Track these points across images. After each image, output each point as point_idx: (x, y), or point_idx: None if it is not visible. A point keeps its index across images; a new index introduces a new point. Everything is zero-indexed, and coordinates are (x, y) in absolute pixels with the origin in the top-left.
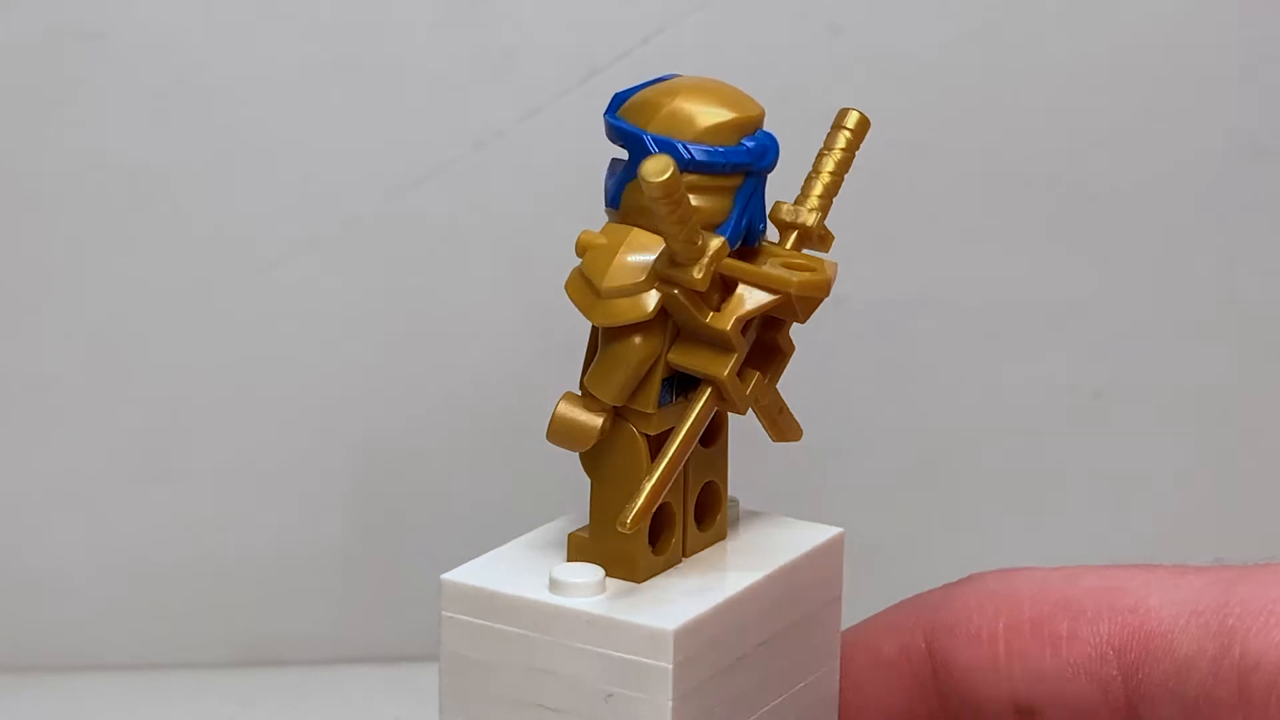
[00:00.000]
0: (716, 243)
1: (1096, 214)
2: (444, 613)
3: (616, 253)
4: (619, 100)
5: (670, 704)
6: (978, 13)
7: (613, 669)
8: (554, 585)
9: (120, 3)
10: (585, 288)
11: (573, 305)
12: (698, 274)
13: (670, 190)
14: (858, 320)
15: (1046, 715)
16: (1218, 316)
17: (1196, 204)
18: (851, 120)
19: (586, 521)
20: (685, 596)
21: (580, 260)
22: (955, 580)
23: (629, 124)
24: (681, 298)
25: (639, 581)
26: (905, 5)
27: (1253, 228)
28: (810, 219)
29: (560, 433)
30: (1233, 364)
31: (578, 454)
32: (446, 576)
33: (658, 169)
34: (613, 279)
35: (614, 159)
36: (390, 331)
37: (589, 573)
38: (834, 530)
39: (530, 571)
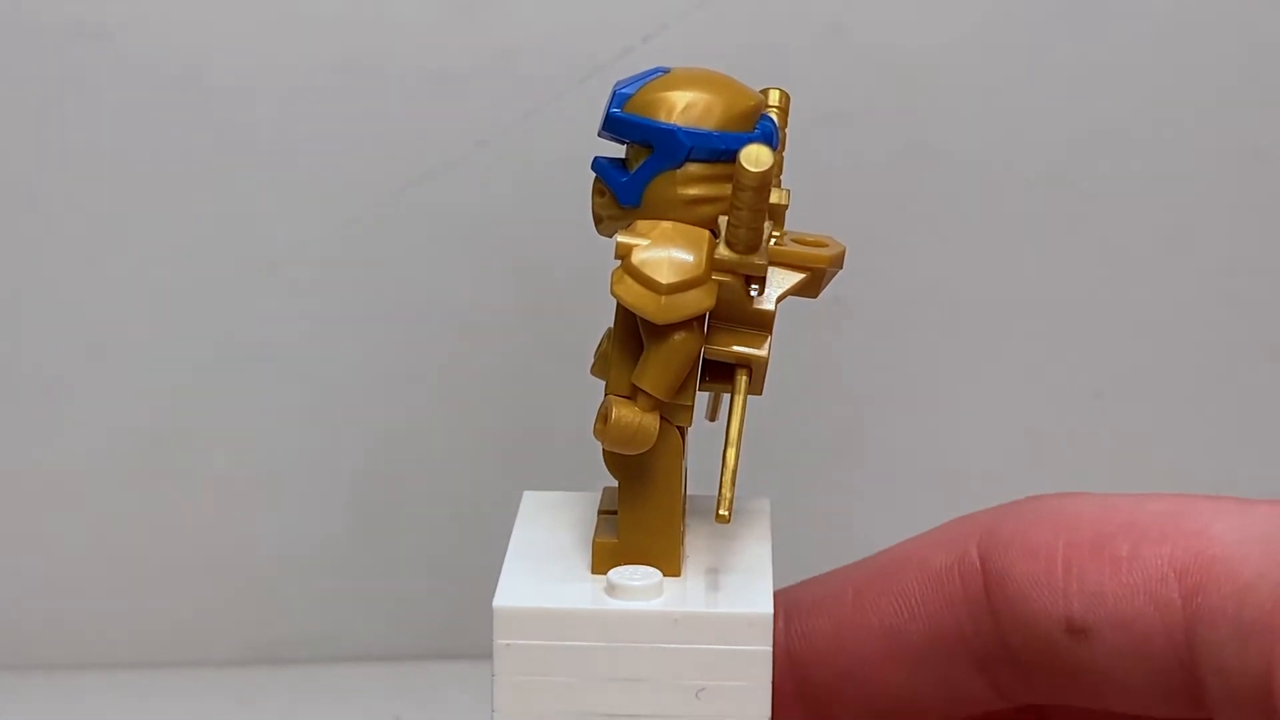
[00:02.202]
0: (769, 227)
1: (1096, 214)
2: (501, 642)
3: (667, 249)
4: (623, 97)
5: (770, 685)
6: (978, 13)
7: (704, 663)
8: (618, 591)
9: (121, 2)
10: (641, 289)
11: (626, 308)
12: (760, 260)
13: (766, 180)
14: (858, 320)
15: (1100, 635)
16: (1218, 316)
17: (1196, 204)
18: (775, 98)
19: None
20: (743, 580)
21: (621, 264)
22: (1011, 501)
23: (651, 119)
24: (737, 285)
25: (678, 575)
26: (905, 5)
27: (1253, 228)
28: (786, 198)
29: (622, 437)
30: (1233, 364)
31: (604, 457)
32: (499, 604)
33: (760, 158)
34: (673, 275)
35: (604, 164)
36: (390, 331)
37: (645, 574)
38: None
39: (573, 581)
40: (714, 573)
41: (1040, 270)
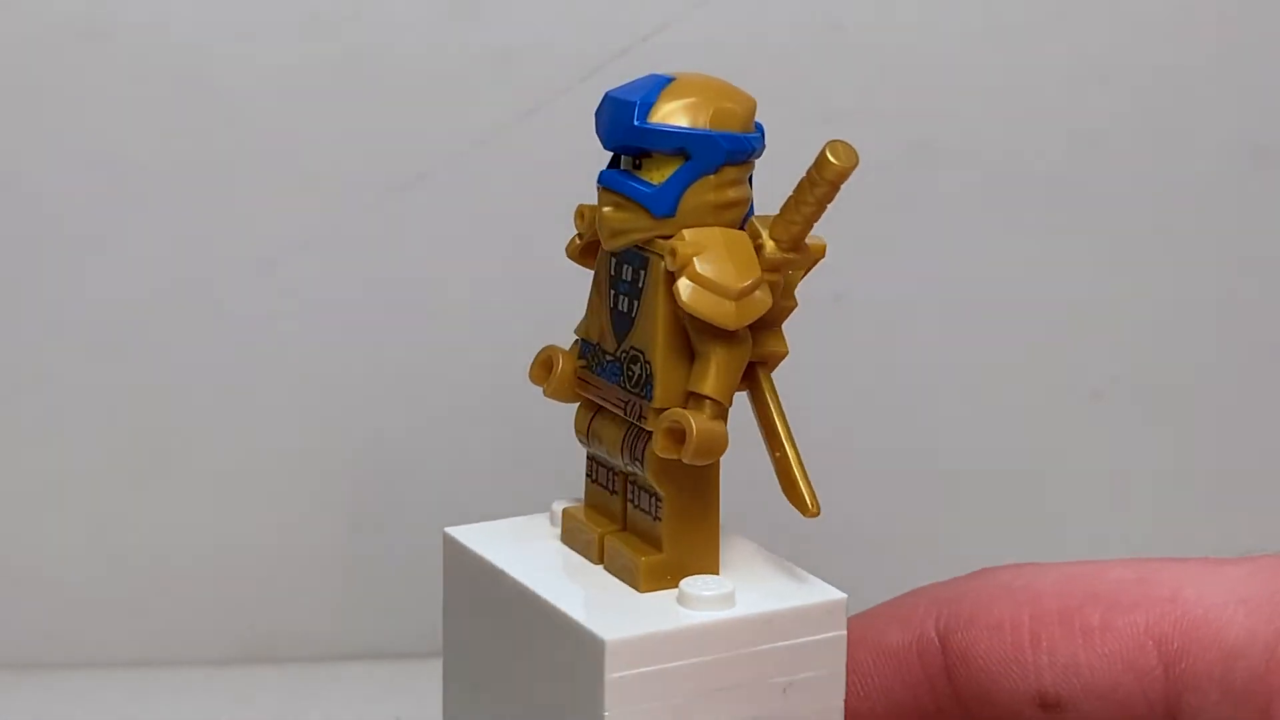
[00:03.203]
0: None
1: (1096, 214)
2: (614, 676)
3: (728, 255)
4: (645, 106)
5: (844, 669)
6: (978, 13)
7: (789, 659)
8: (695, 602)
9: (120, 2)
10: (714, 296)
11: (679, 318)
12: (802, 255)
13: (849, 174)
14: (858, 320)
15: (1076, 707)
16: (1218, 316)
17: (1196, 204)
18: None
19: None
20: (783, 574)
21: (685, 274)
22: (964, 575)
23: (683, 126)
24: (780, 282)
25: (720, 574)
26: (905, 5)
27: (1253, 228)
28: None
29: (706, 448)
30: (1233, 364)
31: (654, 470)
32: (613, 638)
33: (849, 152)
34: (741, 279)
35: (619, 176)
36: (390, 330)
37: (715, 583)
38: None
39: (642, 603)
40: (750, 573)
41: (1040, 270)
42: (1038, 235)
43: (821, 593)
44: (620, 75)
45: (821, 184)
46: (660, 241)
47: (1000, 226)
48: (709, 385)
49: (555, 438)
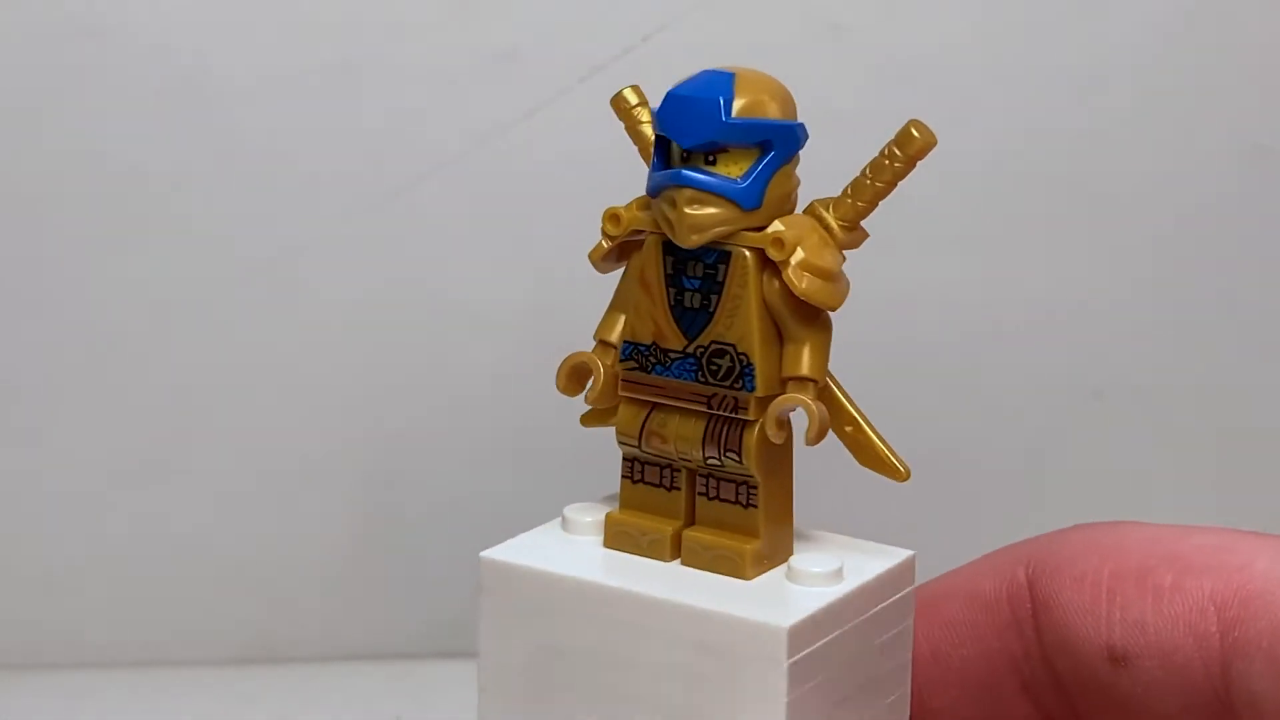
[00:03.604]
0: None
1: (1096, 214)
2: (790, 661)
3: (819, 240)
4: (728, 103)
5: (913, 621)
6: (978, 13)
7: (883, 620)
8: (816, 579)
9: (120, 2)
10: (821, 281)
11: (812, 304)
12: (857, 234)
13: (925, 154)
14: (858, 320)
15: (1139, 663)
16: (1218, 316)
17: (1197, 204)
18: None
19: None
20: (852, 542)
21: (794, 264)
22: (1060, 528)
23: (767, 118)
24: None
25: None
26: (905, 5)
27: (1253, 228)
28: None
29: (825, 427)
30: (1233, 364)
31: (756, 456)
32: (789, 625)
33: (930, 132)
34: (837, 262)
35: (702, 175)
36: (391, 330)
37: (822, 561)
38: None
39: (769, 590)
40: (823, 547)
41: (1040, 270)
42: (1038, 235)
43: (895, 555)
44: (620, 75)
45: (902, 160)
46: (748, 234)
47: (1000, 226)
48: (810, 368)
49: (556, 438)
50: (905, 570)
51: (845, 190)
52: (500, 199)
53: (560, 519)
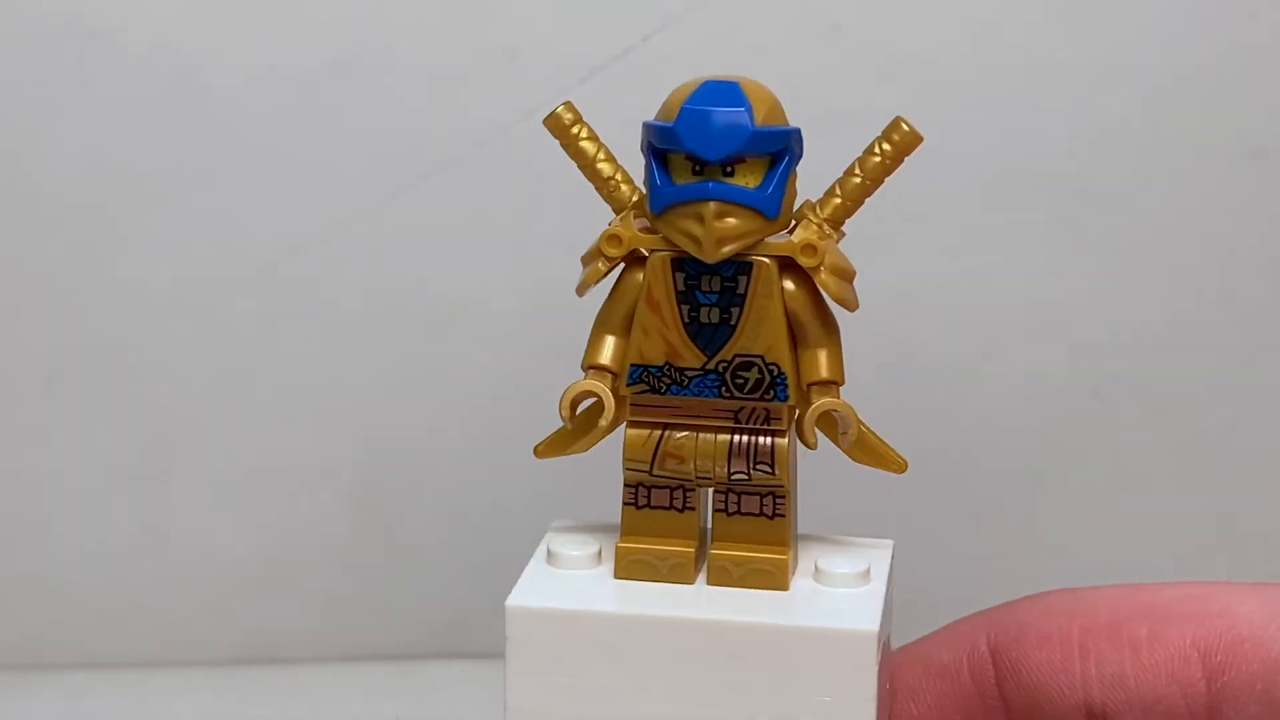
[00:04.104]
0: None
1: (1096, 214)
2: (876, 662)
3: (831, 243)
4: (751, 112)
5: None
6: (978, 13)
7: (889, 610)
8: (849, 580)
9: (120, 2)
10: (844, 283)
11: (842, 306)
12: (839, 234)
13: (913, 149)
14: (857, 320)
15: (1121, 719)
16: (1218, 316)
17: (1196, 204)
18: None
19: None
20: (837, 539)
21: (822, 267)
22: (1016, 598)
23: (782, 126)
24: None
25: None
26: (905, 5)
27: (1253, 228)
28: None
29: (859, 427)
30: (1233, 364)
31: (783, 463)
32: (874, 628)
33: (915, 128)
34: (850, 263)
35: (727, 187)
36: (390, 331)
37: (848, 563)
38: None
39: (805, 594)
40: (818, 549)
41: (1040, 270)
42: (1039, 235)
43: (881, 545)
44: (620, 76)
45: (892, 156)
46: (769, 242)
47: (1000, 227)
48: (832, 370)
49: None
50: (890, 558)
51: (832, 191)
52: (500, 200)
53: (545, 554)
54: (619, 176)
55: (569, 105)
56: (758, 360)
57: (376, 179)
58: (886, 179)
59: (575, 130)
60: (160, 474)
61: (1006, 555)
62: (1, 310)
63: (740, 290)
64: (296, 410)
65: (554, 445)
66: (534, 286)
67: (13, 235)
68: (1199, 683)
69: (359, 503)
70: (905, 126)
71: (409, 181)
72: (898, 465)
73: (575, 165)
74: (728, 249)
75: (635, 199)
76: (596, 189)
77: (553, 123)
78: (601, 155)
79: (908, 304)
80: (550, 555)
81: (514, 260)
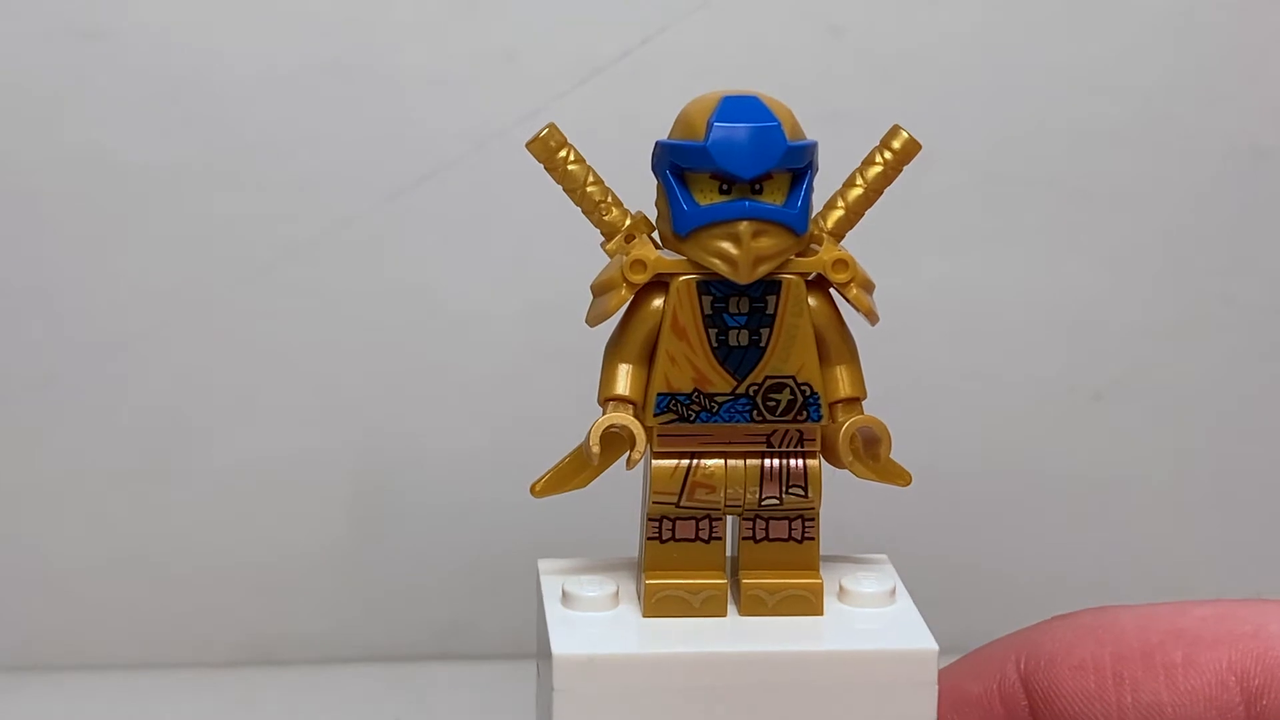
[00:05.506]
0: None
1: (1096, 214)
2: (932, 679)
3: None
4: (780, 127)
5: None
6: (978, 13)
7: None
8: (879, 599)
9: (120, 2)
10: (869, 299)
11: (869, 321)
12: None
13: (913, 156)
14: (857, 320)
15: None
16: (1218, 316)
17: (1196, 204)
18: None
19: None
20: (852, 556)
21: (854, 282)
22: (1043, 620)
23: (808, 140)
24: None
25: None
26: (905, 5)
27: (1253, 228)
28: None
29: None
30: (1233, 364)
31: (816, 482)
32: (934, 645)
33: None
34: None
35: (761, 205)
36: (390, 332)
37: (875, 581)
38: None
39: (843, 617)
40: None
41: (1040, 270)
42: (1038, 236)
43: (883, 560)
44: (621, 76)
45: (894, 164)
46: (796, 259)
47: (1000, 227)
48: (856, 387)
49: (558, 438)
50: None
51: (834, 202)
52: (500, 201)
53: (560, 596)
54: (609, 200)
55: (553, 128)
56: (789, 381)
57: (376, 180)
58: (887, 188)
59: (562, 154)
60: (160, 474)
61: (1004, 556)
62: (1, 310)
63: (770, 310)
64: (296, 411)
65: (553, 483)
66: (535, 287)
67: (12, 235)
68: (1238, 707)
69: (359, 503)
70: (904, 134)
71: (409, 183)
72: (904, 479)
73: (561, 189)
74: (763, 269)
75: (628, 223)
76: (585, 213)
77: (538, 147)
78: (591, 179)
79: (907, 304)
80: (566, 597)
81: (514, 261)
